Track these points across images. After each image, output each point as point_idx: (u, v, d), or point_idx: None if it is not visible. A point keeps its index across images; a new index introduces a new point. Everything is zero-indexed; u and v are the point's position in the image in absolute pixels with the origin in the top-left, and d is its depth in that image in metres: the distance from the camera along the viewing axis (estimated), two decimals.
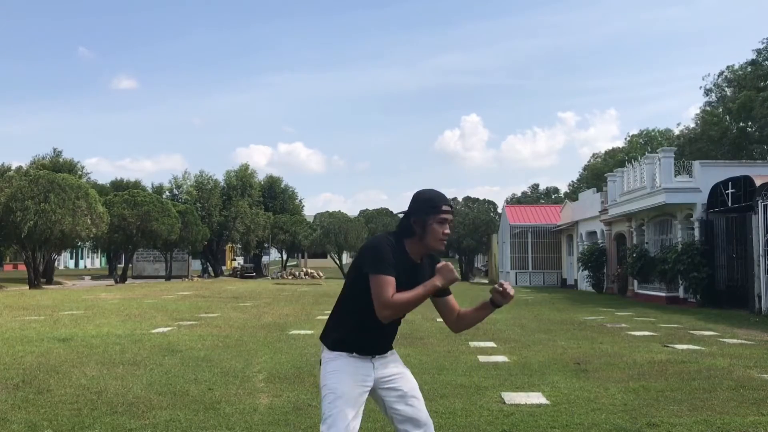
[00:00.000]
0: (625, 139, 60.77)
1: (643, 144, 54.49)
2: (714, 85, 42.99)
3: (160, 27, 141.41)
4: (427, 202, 2.94)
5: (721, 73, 42.62)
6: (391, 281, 2.77)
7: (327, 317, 3.07)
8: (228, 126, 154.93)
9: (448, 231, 2.96)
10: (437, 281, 2.81)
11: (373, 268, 2.78)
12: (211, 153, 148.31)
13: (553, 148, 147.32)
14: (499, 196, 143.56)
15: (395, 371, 3.00)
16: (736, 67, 41.98)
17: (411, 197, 3.01)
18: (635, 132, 59.70)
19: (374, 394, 2.98)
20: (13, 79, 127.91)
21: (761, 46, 39.91)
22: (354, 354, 2.90)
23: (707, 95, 43.74)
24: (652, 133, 57.11)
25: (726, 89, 42.08)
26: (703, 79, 45.20)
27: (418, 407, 2.96)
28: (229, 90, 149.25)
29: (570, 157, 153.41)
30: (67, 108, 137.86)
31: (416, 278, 2.87)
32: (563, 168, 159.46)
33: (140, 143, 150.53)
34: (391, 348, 3.05)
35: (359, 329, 2.89)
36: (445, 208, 2.94)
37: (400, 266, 2.84)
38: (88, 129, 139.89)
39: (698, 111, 45.95)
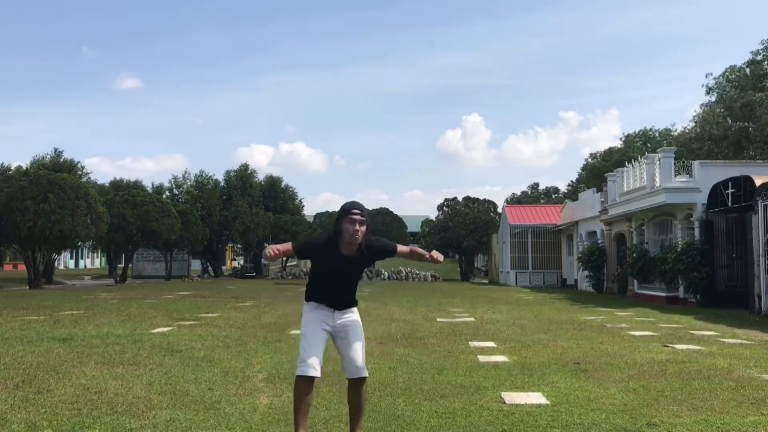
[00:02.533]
0: (621, 139, 60.79)
1: (641, 144, 54.44)
2: (716, 84, 42.96)
3: (162, 27, 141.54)
4: (340, 210, 4.11)
5: (724, 72, 42.61)
6: (291, 244, 4.22)
7: None
8: (230, 126, 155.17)
9: (357, 228, 4.02)
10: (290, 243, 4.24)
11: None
12: (212, 153, 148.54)
13: (555, 148, 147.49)
14: (500, 196, 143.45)
15: (350, 323, 4.24)
16: (738, 66, 41.99)
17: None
18: (633, 132, 59.60)
19: (333, 337, 4.24)
20: (16, 79, 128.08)
21: (760, 47, 39.96)
22: (318, 304, 4.23)
23: (709, 94, 43.74)
24: (650, 133, 57.06)
25: (727, 89, 42.05)
26: (706, 77, 45.03)
27: (358, 354, 4.18)
28: (231, 90, 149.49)
29: (572, 157, 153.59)
30: (69, 108, 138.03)
31: (343, 266, 4.15)
32: (565, 168, 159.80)
33: (141, 143, 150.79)
34: (350, 307, 4.30)
35: (315, 289, 4.28)
36: (353, 211, 4.04)
37: (329, 256, 4.13)
38: (89, 129, 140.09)
39: (698, 111, 45.98)
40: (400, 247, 4.39)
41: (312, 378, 4.05)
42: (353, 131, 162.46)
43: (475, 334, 10.97)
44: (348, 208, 4.05)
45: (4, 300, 19.21)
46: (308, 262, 68.80)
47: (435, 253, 4.31)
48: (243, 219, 50.05)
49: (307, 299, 4.31)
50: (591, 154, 64.17)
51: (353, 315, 4.30)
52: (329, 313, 4.21)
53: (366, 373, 4.23)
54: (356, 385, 4.21)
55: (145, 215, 36.16)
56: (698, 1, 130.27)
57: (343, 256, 4.12)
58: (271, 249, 4.02)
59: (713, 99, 43.48)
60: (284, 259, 59.88)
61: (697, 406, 5.59)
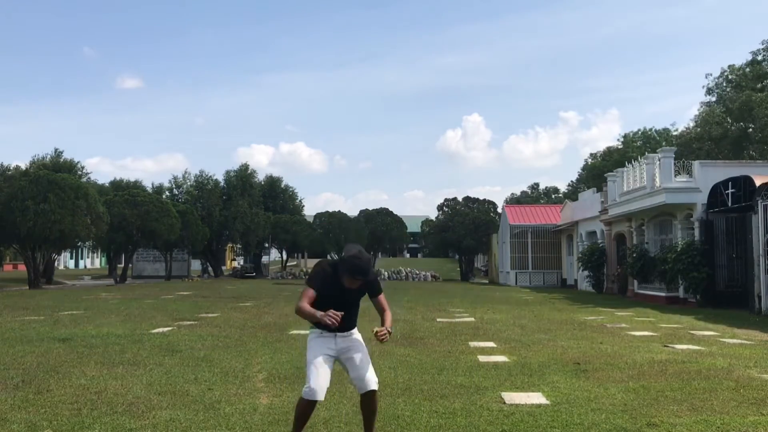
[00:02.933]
0: (618, 140, 60.73)
1: (641, 144, 54.42)
2: (716, 84, 42.97)
3: (163, 27, 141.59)
4: (348, 264, 4.27)
5: (723, 72, 42.60)
6: (308, 292, 4.30)
7: None
8: (230, 125, 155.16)
9: (357, 286, 4.33)
10: (318, 316, 4.17)
11: (306, 281, 4.41)
12: (212, 153, 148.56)
13: (555, 148, 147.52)
14: (500, 196, 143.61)
15: (353, 344, 4.44)
16: (737, 66, 41.97)
17: (344, 252, 4.37)
18: (632, 131, 59.60)
19: (339, 360, 4.44)
20: (16, 79, 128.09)
21: (761, 47, 39.95)
22: (321, 332, 4.40)
23: (709, 94, 43.74)
24: (649, 132, 57.02)
25: (726, 89, 42.05)
26: (706, 77, 44.99)
27: (366, 368, 4.38)
28: (232, 90, 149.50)
29: (572, 157, 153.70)
30: (69, 108, 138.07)
31: (344, 298, 4.34)
32: (565, 168, 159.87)
33: (141, 143, 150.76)
34: (351, 329, 4.49)
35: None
36: (358, 276, 4.27)
37: (332, 288, 4.32)
38: (89, 129, 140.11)
39: (698, 111, 45.96)
40: (381, 298, 4.54)
41: (315, 401, 4.34)
42: (353, 131, 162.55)
43: (475, 334, 10.97)
44: (354, 272, 4.25)
45: (4, 300, 19.21)
46: (309, 263, 68.52)
47: (382, 332, 4.32)
48: (243, 219, 50.04)
49: (311, 327, 4.49)
50: (591, 154, 64.18)
51: (354, 335, 4.52)
52: (331, 339, 4.43)
53: (376, 386, 4.41)
54: (368, 397, 4.41)
55: (145, 215, 36.15)
56: (698, 1, 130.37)
57: (345, 290, 4.36)
58: (323, 316, 4.16)
59: (713, 99, 43.49)
60: (284, 259, 60.11)
61: (697, 406, 5.60)
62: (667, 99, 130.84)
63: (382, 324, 4.41)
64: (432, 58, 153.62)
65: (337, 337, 4.43)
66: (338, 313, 4.14)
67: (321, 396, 4.31)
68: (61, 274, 48.10)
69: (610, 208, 25.47)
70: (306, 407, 4.36)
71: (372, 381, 4.39)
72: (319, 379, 4.29)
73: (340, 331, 4.41)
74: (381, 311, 4.53)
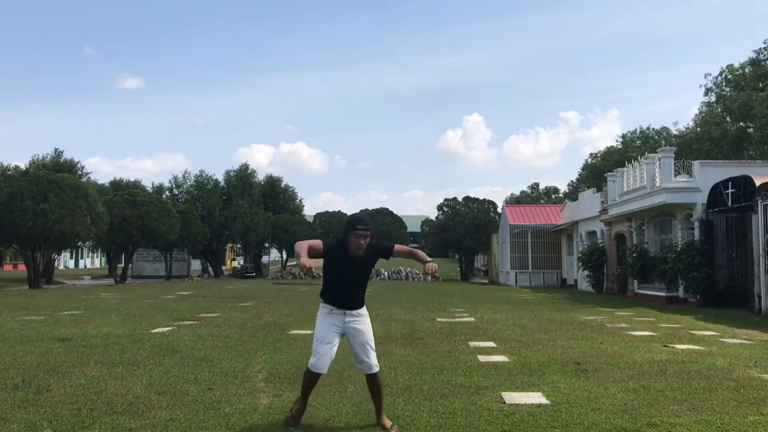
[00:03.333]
0: (617, 140, 60.70)
1: (640, 144, 54.38)
2: (714, 84, 42.93)
3: (164, 27, 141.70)
4: (348, 223, 4.72)
5: (722, 72, 42.57)
6: (315, 242, 4.67)
7: None
8: (230, 125, 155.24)
9: (362, 242, 4.64)
10: (302, 256, 4.50)
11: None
12: (213, 153, 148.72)
13: (555, 148, 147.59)
14: (500, 196, 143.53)
15: (358, 326, 4.77)
16: (736, 66, 41.93)
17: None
18: (630, 132, 59.55)
19: (345, 336, 4.77)
20: (17, 79, 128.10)
21: (763, 46, 39.90)
22: (330, 307, 4.79)
23: (707, 95, 43.72)
24: (648, 132, 56.98)
25: (725, 89, 42.00)
26: (705, 77, 45.01)
27: (367, 353, 4.75)
28: (232, 90, 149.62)
29: (573, 156, 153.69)
30: (69, 107, 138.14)
31: (352, 271, 4.73)
32: (566, 168, 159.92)
33: (142, 143, 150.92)
34: (359, 308, 4.81)
35: (329, 291, 4.84)
36: (359, 227, 4.62)
37: (340, 256, 4.70)
38: (89, 129, 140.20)
39: (697, 111, 45.94)
40: (398, 247, 4.97)
41: (320, 374, 4.78)
42: (354, 131, 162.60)
43: (475, 334, 10.96)
44: (354, 224, 4.66)
45: (4, 300, 19.21)
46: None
47: (430, 267, 4.77)
48: (243, 219, 50.04)
49: (323, 300, 4.87)
50: (591, 154, 64.17)
51: (362, 317, 4.84)
52: (340, 317, 4.77)
53: (376, 369, 4.80)
54: (370, 378, 4.85)
55: (145, 215, 36.15)
56: (698, 1, 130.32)
57: (351, 258, 4.71)
58: (305, 261, 4.42)
59: (713, 99, 43.45)
60: (284, 259, 60.09)
61: (697, 406, 5.59)
62: (668, 99, 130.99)
63: (422, 262, 4.83)
64: (432, 58, 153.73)
65: (346, 314, 4.76)
66: (309, 265, 4.37)
67: (325, 370, 4.73)
68: (61, 274, 48.10)
69: (610, 208, 25.46)
70: (312, 378, 4.79)
71: (372, 365, 4.76)
72: (325, 354, 4.69)
73: (349, 308, 4.77)
74: (412, 254, 4.95)
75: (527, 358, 8.26)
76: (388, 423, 4.78)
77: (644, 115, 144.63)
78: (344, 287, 4.80)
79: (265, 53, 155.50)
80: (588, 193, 33.85)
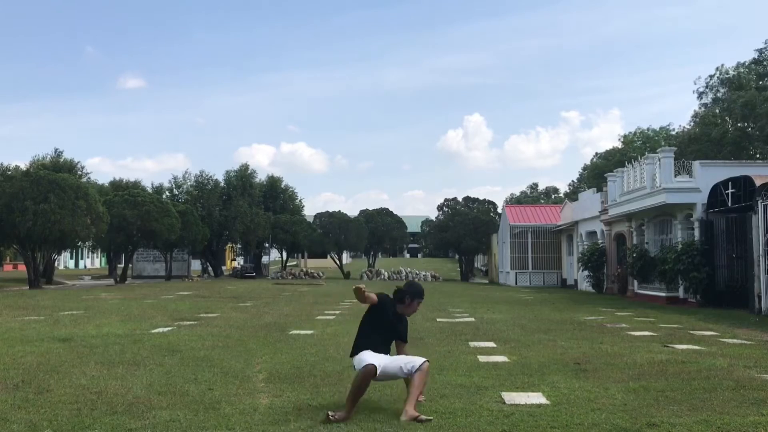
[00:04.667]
0: (620, 139, 60.67)
1: (641, 144, 54.35)
2: (707, 86, 42.80)
3: (165, 27, 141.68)
4: (417, 293, 5.76)
5: (712, 75, 42.47)
6: (374, 295, 5.56)
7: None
8: (231, 125, 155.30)
9: (410, 312, 5.83)
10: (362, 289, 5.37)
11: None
12: (213, 153, 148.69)
13: (556, 148, 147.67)
14: (500, 196, 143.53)
15: (386, 361, 5.35)
16: (728, 67, 41.88)
17: (407, 284, 5.88)
18: (630, 131, 59.53)
19: (383, 374, 5.26)
20: (17, 78, 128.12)
21: (764, 46, 39.85)
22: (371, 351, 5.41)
23: (700, 98, 43.63)
24: (648, 132, 56.95)
25: (720, 90, 41.87)
26: (695, 83, 44.86)
27: (406, 365, 5.28)
28: (233, 90, 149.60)
29: (573, 157, 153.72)
30: (70, 107, 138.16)
31: (392, 326, 5.63)
32: (566, 168, 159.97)
33: (142, 143, 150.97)
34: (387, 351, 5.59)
35: (366, 340, 5.55)
36: (423, 298, 5.85)
37: (387, 312, 5.60)
38: (89, 129, 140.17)
39: (694, 112, 45.85)
40: (406, 346, 5.90)
41: (373, 372, 5.04)
42: (354, 131, 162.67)
43: (475, 334, 10.97)
44: (422, 295, 5.81)
45: (4, 300, 19.21)
46: (309, 263, 68.17)
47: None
48: (243, 219, 50.00)
49: (357, 352, 5.42)
50: (596, 154, 64.10)
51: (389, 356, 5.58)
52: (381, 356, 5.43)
53: (422, 360, 5.32)
54: (419, 371, 5.26)
55: (145, 215, 36.12)
56: (698, 1, 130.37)
57: (396, 316, 5.69)
58: (364, 288, 5.32)
59: (708, 101, 43.30)
60: (284, 259, 60.10)
61: (697, 406, 5.59)
62: (669, 98, 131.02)
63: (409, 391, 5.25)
64: (432, 58, 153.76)
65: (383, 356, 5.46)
66: (366, 293, 5.35)
67: (379, 369, 5.11)
68: (61, 274, 48.08)
69: (610, 208, 25.46)
70: (366, 378, 5.06)
71: (418, 361, 5.28)
72: (374, 359, 5.19)
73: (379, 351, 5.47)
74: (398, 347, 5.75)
75: (527, 358, 8.27)
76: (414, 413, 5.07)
77: (646, 115, 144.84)
78: (382, 337, 5.56)
79: (266, 53, 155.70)
80: (588, 193, 33.85)
